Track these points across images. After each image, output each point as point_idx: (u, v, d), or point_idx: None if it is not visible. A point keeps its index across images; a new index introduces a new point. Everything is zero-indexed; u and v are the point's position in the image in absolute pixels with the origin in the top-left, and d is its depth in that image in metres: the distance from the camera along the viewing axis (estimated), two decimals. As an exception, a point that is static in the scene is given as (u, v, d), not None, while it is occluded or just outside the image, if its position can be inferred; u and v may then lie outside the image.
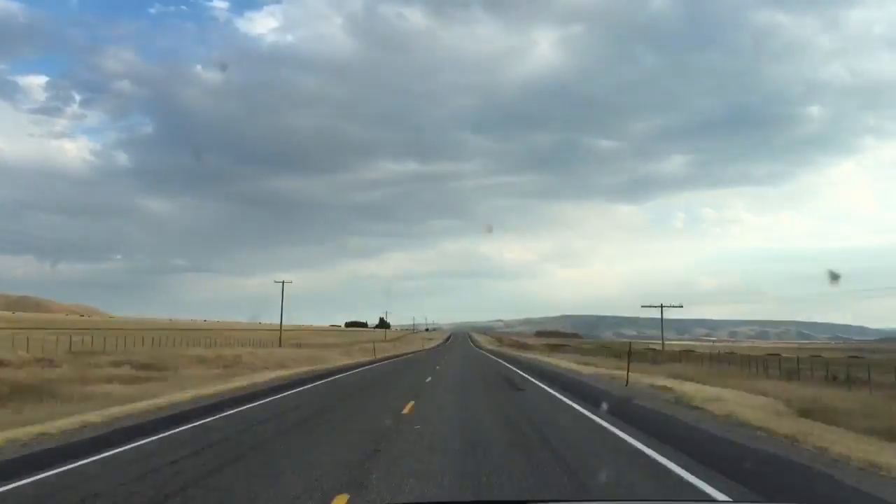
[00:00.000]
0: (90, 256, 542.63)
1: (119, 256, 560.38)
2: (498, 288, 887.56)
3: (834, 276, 33.66)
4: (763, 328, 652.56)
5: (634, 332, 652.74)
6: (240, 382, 24.51)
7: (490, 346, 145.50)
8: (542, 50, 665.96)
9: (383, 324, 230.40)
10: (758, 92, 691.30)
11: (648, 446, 10.78)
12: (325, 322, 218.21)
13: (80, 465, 9.18)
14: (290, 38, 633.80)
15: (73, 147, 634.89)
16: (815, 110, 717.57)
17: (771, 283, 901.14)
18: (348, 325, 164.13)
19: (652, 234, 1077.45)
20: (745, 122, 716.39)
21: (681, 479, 8.40)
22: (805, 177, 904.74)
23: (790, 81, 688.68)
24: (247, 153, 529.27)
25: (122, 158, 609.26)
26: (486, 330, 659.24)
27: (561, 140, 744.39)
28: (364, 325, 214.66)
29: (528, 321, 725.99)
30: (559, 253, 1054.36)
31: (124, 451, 10.33)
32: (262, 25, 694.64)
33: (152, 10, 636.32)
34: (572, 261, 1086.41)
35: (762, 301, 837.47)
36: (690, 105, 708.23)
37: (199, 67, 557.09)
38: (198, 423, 13.61)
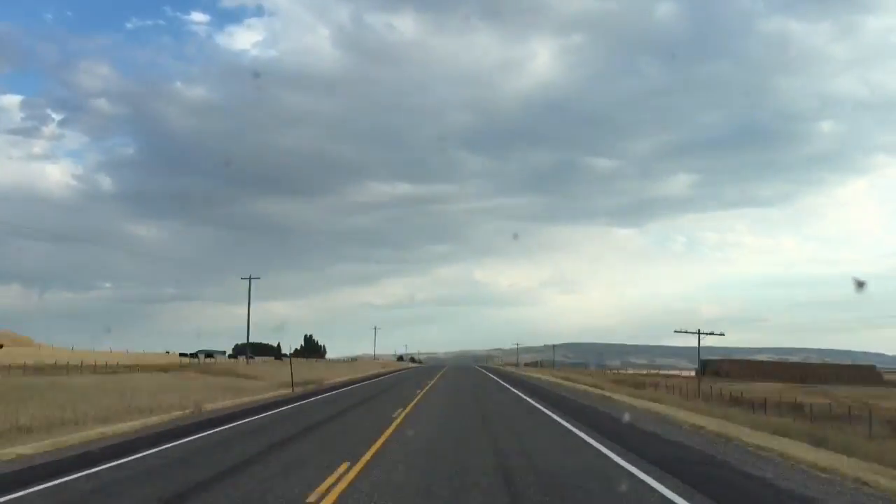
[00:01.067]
0: (75, 285, 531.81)
1: (108, 284, 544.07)
2: (495, 316, 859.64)
3: (860, 284, 32.66)
4: (782, 356, 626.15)
5: (645, 361, 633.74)
6: None
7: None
8: (541, 62, 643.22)
9: (313, 348, 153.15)
10: (767, 106, 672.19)
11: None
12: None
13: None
14: (273, 52, 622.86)
15: (53, 169, 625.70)
16: (826, 126, 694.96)
17: (778, 309, 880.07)
18: (189, 355, 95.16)
19: (652, 258, 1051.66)
20: (753, 140, 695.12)
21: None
22: (812, 198, 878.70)
23: (801, 95, 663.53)
24: (232, 175, 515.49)
25: (104, 181, 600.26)
26: (480, 362, 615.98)
27: (559, 160, 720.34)
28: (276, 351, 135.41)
29: (528, 349, 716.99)
30: (557, 278, 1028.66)
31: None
32: (244, 40, 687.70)
33: (129, 25, 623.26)
34: (571, 286, 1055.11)
35: (775, 327, 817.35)
36: (695, 121, 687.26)
37: (178, 84, 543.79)
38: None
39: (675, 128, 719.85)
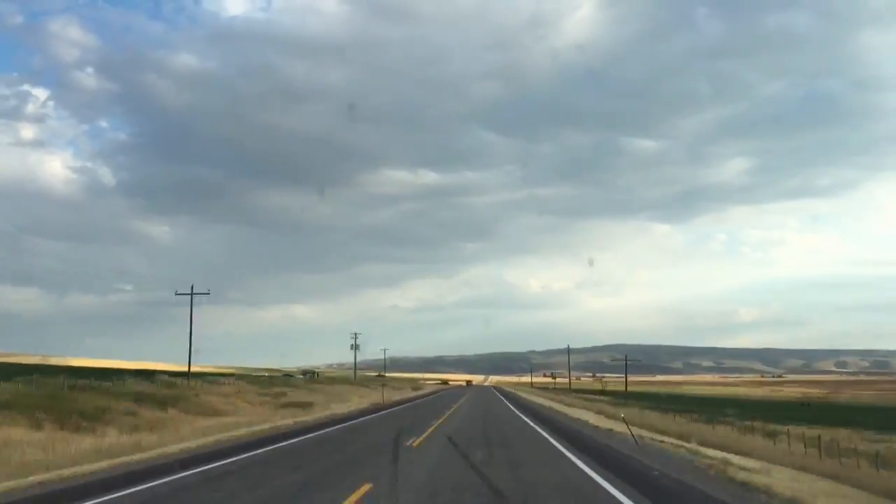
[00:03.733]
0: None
1: (129, 287, 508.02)
2: (529, 317, 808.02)
3: None
4: (878, 357, 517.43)
5: (711, 363, 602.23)
6: None
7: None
8: (582, 15, 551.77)
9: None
10: (844, 71, 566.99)
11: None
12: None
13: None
14: (269, 14, 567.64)
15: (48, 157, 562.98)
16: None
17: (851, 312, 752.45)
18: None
19: (697, 255, 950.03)
20: (823, 114, 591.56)
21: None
22: (876, 187, 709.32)
23: (887, 56, 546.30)
24: (237, 163, 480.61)
25: (103, 172, 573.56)
26: (515, 363, 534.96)
27: (597, 141, 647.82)
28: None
29: (566, 352, 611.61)
30: (594, 278, 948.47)
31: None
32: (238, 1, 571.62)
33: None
34: (609, 287, 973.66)
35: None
36: (757, 91, 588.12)
37: (162, 53, 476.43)
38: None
39: (733, 99, 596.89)
